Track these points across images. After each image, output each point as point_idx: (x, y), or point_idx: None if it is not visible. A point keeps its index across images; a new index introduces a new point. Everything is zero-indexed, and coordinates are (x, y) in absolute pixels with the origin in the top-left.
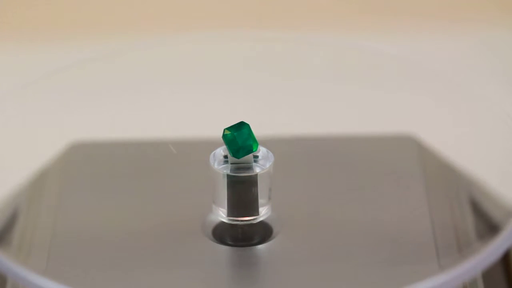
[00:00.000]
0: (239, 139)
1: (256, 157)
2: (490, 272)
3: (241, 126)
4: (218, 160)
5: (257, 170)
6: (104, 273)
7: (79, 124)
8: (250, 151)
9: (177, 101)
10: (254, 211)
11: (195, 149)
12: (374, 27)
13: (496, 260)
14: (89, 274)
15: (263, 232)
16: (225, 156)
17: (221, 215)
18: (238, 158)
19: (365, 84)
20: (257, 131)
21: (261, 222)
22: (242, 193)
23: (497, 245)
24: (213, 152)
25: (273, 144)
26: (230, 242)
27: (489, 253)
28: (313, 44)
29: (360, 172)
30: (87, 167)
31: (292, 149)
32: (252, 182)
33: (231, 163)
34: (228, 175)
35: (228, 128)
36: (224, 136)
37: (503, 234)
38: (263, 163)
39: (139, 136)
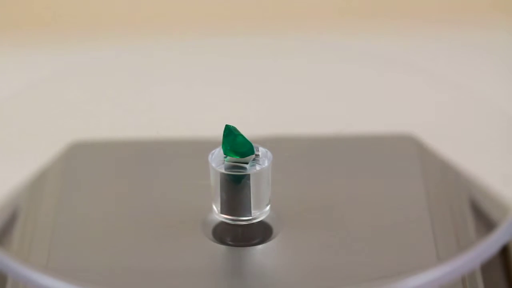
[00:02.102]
0: (245, 138)
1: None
2: (489, 266)
3: (233, 128)
4: (217, 160)
5: (257, 168)
6: (104, 273)
7: (79, 124)
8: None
9: (177, 101)
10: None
11: (195, 149)
12: (375, 28)
13: (494, 254)
14: (89, 274)
15: (263, 232)
16: (224, 156)
17: (221, 215)
18: (254, 153)
19: (365, 84)
20: (257, 131)
21: (261, 222)
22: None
23: (495, 238)
24: (212, 152)
25: (273, 144)
26: (230, 242)
27: (487, 246)
28: (313, 44)
29: (360, 172)
30: (87, 167)
31: (292, 149)
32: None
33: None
34: (251, 174)
35: (232, 133)
36: (237, 142)
37: (502, 228)
38: (262, 162)
39: (139, 136)
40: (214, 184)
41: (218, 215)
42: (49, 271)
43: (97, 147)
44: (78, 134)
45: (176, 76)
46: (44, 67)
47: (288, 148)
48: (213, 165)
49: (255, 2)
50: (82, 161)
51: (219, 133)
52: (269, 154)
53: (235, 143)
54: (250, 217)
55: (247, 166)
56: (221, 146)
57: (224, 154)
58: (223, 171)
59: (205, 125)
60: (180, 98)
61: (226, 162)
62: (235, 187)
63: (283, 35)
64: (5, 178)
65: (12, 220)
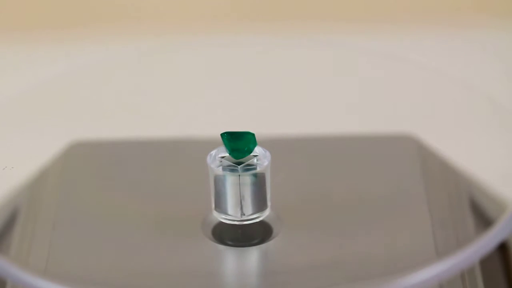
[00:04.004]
0: None
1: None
2: (488, 262)
3: (231, 132)
4: (216, 161)
5: (257, 168)
6: (103, 273)
7: (79, 124)
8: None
9: (176, 101)
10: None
11: (195, 149)
12: (374, 28)
13: (493, 250)
14: (89, 274)
15: (263, 232)
16: (222, 157)
17: (244, 217)
18: (257, 144)
19: (365, 84)
20: (257, 131)
21: (261, 222)
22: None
23: (493, 234)
24: (211, 153)
25: (273, 144)
26: (230, 242)
27: (486, 242)
28: (314, 45)
29: (360, 172)
30: (87, 166)
31: (292, 149)
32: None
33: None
34: (257, 174)
35: (243, 134)
36: (252, 141)
37: (500, 224)
38: (261, 162)
39: (139, 135)
40: (217, 186)
41: (237, 219)
42: (48, 275)
43: (97, 147)
44: (78, 134)
45: (176, 76)
46: (44, 67)
47: (288, 148)
48: (212, 166)
49: (255, 2)
50: (82, 161)
51: (218, 133)
52: (268, 154)
53: (251, 144)
54: (267, 208)
55: (254, 162)
56: (219, 148)
57: (235, 158)
58: (241, 173)
59: (204, 125)
60: (180, 98)
61: (220, 160)
62: (252, 186)
63: (283, 34)
64: (5, 178)
65: (12, 220)
